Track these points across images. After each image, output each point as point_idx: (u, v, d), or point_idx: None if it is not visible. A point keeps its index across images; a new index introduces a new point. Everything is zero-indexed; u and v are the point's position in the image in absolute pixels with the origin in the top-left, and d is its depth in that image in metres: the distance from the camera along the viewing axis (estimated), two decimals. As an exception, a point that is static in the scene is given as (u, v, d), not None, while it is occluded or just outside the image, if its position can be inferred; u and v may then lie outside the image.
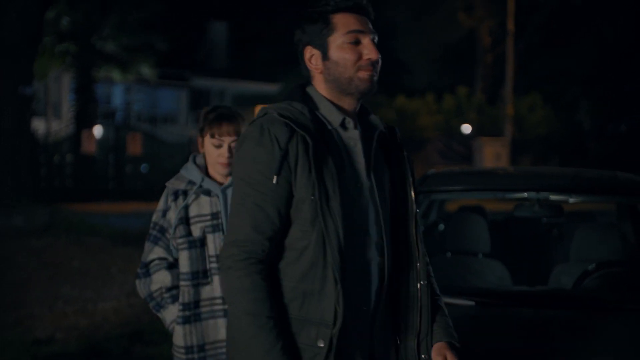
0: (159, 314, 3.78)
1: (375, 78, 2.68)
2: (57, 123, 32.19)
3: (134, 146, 26.71)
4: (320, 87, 2.72)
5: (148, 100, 38.84)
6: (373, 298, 2.66)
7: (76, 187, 25.11)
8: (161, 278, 3.73)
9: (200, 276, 3.66)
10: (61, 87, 33.84)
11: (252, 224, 2.55)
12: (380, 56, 2.69)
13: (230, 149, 3.67)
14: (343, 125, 2.68)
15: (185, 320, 3.66)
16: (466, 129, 33.15)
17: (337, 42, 2.65)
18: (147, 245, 3.80)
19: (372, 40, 2.68)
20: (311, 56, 2.70)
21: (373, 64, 2.66)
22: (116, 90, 36.89)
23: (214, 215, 3.68)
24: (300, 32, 2.73)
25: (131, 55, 27.66)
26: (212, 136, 3.67)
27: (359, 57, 2.65)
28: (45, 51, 24.30)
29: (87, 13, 26.26)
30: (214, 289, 3.67)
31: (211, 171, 3.74)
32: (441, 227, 5.83)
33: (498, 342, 3.63)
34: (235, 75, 41.75)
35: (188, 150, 28.03)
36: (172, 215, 3.69)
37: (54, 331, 7.71)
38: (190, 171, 3.75)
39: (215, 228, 3.68)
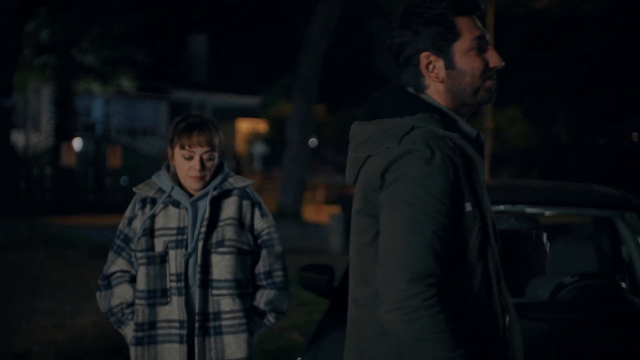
0: (120, 330, 3.53)
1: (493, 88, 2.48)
2: (36, 136, 32.05)
3: (114, 159, 26.66)
4: (439, 97, 2.43)
5: (128, 113, 38.72)
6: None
7: (56, 200, 25.03)
8: (122, 292, 3.49)
9: (157, 295, 3.42)
10: (41, 100, 33.69)
11: (433, 255, 2.21)
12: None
13: (202, 161, 3.45)
14: (478, 139, 2.42)
15: (138, 342, 3.43)
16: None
17: (463, 49, 2.40)
18: (111, 255, 3.54)
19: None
20: (429, 63, 2.40)
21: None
22: (96, 102, 36.76)
23: (180, 230, 3.45)
24: (412, 35, 2.41)
25: (111, 68, 27.64)
26: (182, 147, 3.45)
27: (486, 65, 2.43)
28: (24, 64, 24.26)
29: (67, 26, 26.25)
30: (172, 310, 3.42)
31: (183, 183, 3.52)
32: None
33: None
34: (215, 88, 41.69)
35: (167, 163, 28.01)
36: (138, 225, 3.47)
37: (32, 345, 7.67)
38: (161, 178, 3.54)
39: (179, 244, 3.43)
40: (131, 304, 3.48)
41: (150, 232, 3.46)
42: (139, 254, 3.43)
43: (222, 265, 3.44)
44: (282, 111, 27.78)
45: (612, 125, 42.01)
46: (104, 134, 35.70)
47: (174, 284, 3.41)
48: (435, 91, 2.42)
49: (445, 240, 2.23)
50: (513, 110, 34.23)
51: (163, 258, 3.43)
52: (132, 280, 3.49)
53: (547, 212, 5.12)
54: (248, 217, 3.55)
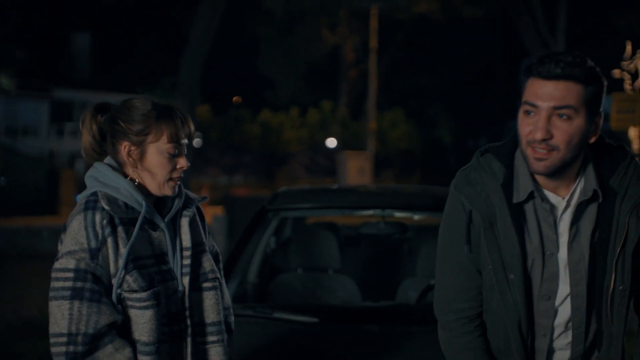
0: None
1: (536, 158, 2.37)
2: None
3: (-9, 159, 25.87)
4: None
5: (7, 112, 37.65)
6: None
7: None
8: (123, 354, 2.54)
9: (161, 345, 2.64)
10: None
11: (457, 285, 2.56)
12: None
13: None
14: (532, 196, 2.44)
15: None
16: (331, 142, 33.53)
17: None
18: (80, 305, 2.50)
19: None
20: None
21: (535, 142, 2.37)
22: (-27, 101, 35.64)
23: (159, 259, 2.65)
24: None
25: (-11, 66, 26.84)
26: (171, 140, 2.63)
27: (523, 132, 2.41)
28: None
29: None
30: None
31: (157, 190, 2.67)
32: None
33: (337, 359, 3.68)
34: (98, 87, 40.95)
35: (49, 164, 27.30)
36: (110, 255, 2.54)
37: None
38: (121, 189, 2.62)
39: (167, 276, 2.65)
40: None
41: (133, 265, 2.58)
42: (143, 294, 2.55)
43: (208, 305, 2.77)
44: (166, 112, 27.42)
45: (492, 127, 43.12)
46: (-19, 133, 34.63)
47: (165, 328, 2.64)
48: None
49: (470, 269, 2.55)
50: (396, 112, 34.72)
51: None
52: (118, 336, 2.57)
53: (416, 217, 5.24)
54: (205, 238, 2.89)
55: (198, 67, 19.96)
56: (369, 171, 30.84)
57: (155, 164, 2.63)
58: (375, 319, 4.18)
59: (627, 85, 29.89)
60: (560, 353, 2.55)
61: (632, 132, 30.26)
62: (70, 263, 2.51)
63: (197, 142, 32.46)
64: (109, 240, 2.53)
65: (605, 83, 2.39)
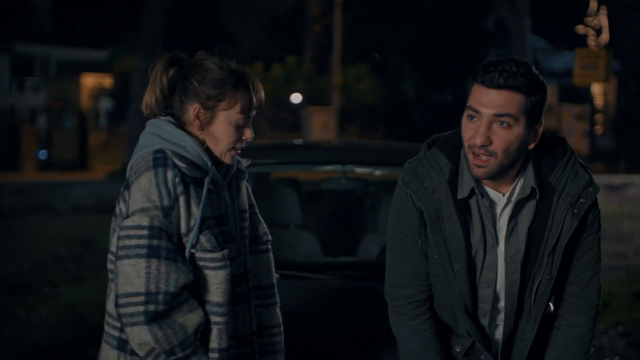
0: None
1: (475, 164, 2.52)
2: None
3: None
4: None
5: (-35, 67, 37.01)
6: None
7: None
8: (197, 314, 2.50)
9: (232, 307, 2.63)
10: None
11: (406, 271, 2.70)
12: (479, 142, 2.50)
13: None
14: (474, 192, 2.58)
15: None
16: (296, 98, 33.35)
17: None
18: (158, 263, 2.44)
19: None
20: None
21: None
22: None
23: (219, 220, 2.59)
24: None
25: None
26: (245, 110, 2.57)
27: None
28: None
29: None
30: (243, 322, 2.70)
31: (218, 157, 2.63)
32: None
33: (300, 314, 3.69)
34: (59, 41, 40.36)
35: (10, 119, 26.93)
36: (182, 214, 2.49)
37: None
38: (192, 151, 2.55)
39: (227, 237, 2.60)
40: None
41: (209, 225, 2.55)
42: (217, 254, 2.52)
43: (263, 267, 2.78)
44: (128, 66, 27.19)
45: (457, 82, 43.14)
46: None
47: (234, 289, 2.60)
48: None
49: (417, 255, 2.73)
50: (360, 66, 34.58)
51: None
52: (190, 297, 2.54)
53: (377, 172, 5.23)
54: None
55: (160, 20, 19.70)
56: (334, 126, 30.78)
57: (222, 131, 2.58)
58: (336, 274, 4.19)
59: (591, 41, 29.95)
60: (498, 328, 2.74)
61: (596, 88, 30.40)
62: (144, 220, 2.44)
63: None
64: (181, 199, 2.48)
65: (549, 92, 2.55)
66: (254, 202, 2.80)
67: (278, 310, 2.83)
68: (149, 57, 19.09)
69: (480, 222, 2.59)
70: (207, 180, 2.53)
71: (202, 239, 2.50)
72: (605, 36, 29.96)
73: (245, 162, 2.76)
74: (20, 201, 17.36)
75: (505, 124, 2.45)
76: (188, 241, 2.50)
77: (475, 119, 2.48)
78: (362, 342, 3.65)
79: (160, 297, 2.42)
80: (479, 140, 2.44)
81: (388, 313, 2.79)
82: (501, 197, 2.59)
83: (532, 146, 2.54)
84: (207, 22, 36.74)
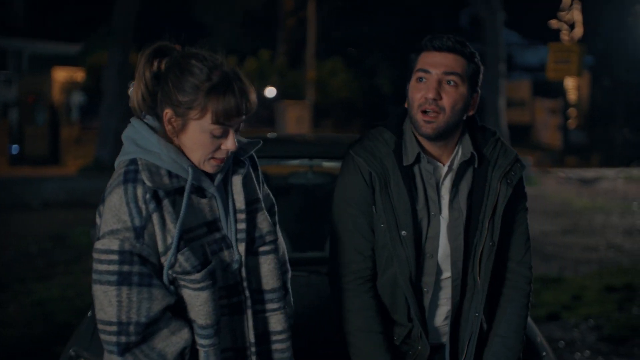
0: None
1: (425, 121, 2.74)
2: None
3: None
4: None
5: None
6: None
7: None
8: (181, 337, 2.35)
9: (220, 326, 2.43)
10: None
11: (353, 245, 2.82)
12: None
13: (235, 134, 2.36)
14: (419, 159, 2.77)
15: None
16: (270, 92, 33.28)
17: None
18: (130, 291, 2.28)
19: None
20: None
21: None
22: None
23: (211, 226, 2.39)
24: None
25: None
26: (217, 120, 2.30)
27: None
28: None
29: None
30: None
31: (193, 158, 2.38)
32: None
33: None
34: (33, 35, 40.02)
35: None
36: (157, 232, 2.29)
37: None
38: (167, 157, 2.34)
39: (222, 244, 2.41)
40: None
41: (185, 240, 2.33)
42: (197, 276, 2.32)
43: (267, 270, 2.52)
44: (101, 60, 26.98)
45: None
46: None
47: (224, 301, 2.43)
48: None
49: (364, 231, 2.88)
50: (335, 61, 34.55)
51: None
52: (173, 318, 2.37)
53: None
54: (259, 190, 2.57)
55: (131, 13, 19.53)
56: (308, 121, 30.76)
57: (195, 141, 2.33)
58: (303, 269, 4.16)
59: (565, 36, 30.07)
60: (441, 308, 2.85)
61: (569, 82, 30.54)
62: (114, 244, 2.26)
63: (133, 91, 31.97)
64: (155, 216, 2.28)
65: (482, 69, 2.81)
66: (260, 194, 2.54)
67: (283, 315, 2.55)
68: (120, 50, 18.94)
69: (423, 190, 2.77)
70: (186, 190, 2.31)
71: (181, 258, 2.30)
72: (578, 31, 30.12)
73: (254, 142, 2.51)
74: (-10, 197, 17.20)
75: (452, 83, 2.70)
76: (166, 260, 2.30)
77: (424, 80, 2.72)
78: (329, 337, 3.61)
79: (132, 328, 2.27)
80: (431, 94, 2.68)
81: (332, 293, 2.89)
82: (442, 167, 2.80)
83: (471, 112, 2.81)
84: (180, 15, 36.57)
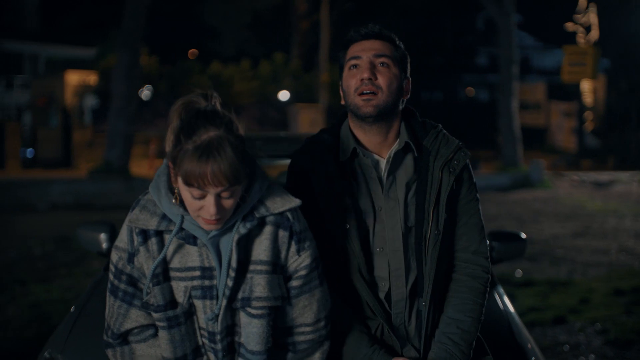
0: None
1: (364, 100, 2.82)
2: None
3: None
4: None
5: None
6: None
7: None
8: (150, 350, 2.54)
9: (189, 358, 2.53)
10: None
11: None
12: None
13: (218, 201, 2.35)
14: (355, 154, 2.85)
15: None
16: (284, 95, 33.22)
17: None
18: (114, 303, 2.53)
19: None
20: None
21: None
22: None
23: (205, 272, 2.47)
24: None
25: None
26: (188, 183, 2.32)
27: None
28: None
29: None
30: None
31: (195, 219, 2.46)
32: None
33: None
34: (47, 39, 40.17)
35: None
36: (143, 262, 2.47)
37: None
38: (163, 201, 2.45)
39: (207, 293, 2.48)
40: None
41: (164, 277, 2.47)
42: (156, 315, 2.48)
43: (250, 332, 2.52)
44: (113, 63, 26.99)
45: (447, 80, 43.08)
46: None
47: (206, 341, 2.54)
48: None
49: None
50: (348, 64, 34.44)
51: (189, 313, 2.50)
52: (156, 334, 2.56)
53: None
54: (283, 254, 2.55)
55: (140, 16, 19.44)
56: (321, 123, 30.66)
57: (183, 196, 2.38)
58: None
59: (581, 39, 29.84)
60: (399, 302, 2.83)
61: (585, 85, 30.29)
62: (114, 257, 2.52)
63: (146, 94, 32.01)
64: (142, 250, 2.46)
65: (408, 57, 2.92)
66: (270, 256, 2.51)
67: None
68: (129, 52, 18.87)
69: (365, 183, 2.82)
70: (172, 234, 2.43)
71: (154, 293, 2.47)
72: (594, 34, 29.86)
73: (282, 205, 2.50)
74: (-2, 199, 17.21)
75: (384, 65, 2.81)
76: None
77: (357, 66, 2.82)
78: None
79: (110, 332, 2.56)
80: (366, 74, 2.78)
81: None
82: (382, 160, 2.86)
83: (406, 97, 2.90)
84: (189, 17, 36.54)
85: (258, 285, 2.48)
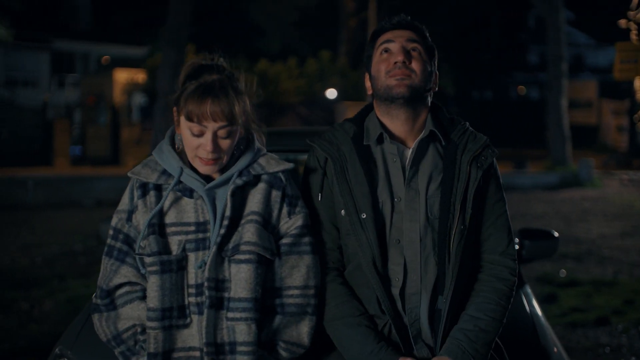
0: None
1: (398, 79, 2.80)
2: None
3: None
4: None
5: (6, 64, 37.39)
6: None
7: None
8: (135, 313, 2.61)
9: (175, 315, 2.55)
10: None
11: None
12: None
13: (215, 140, 2.55)
14: (381, 140, 2.80)
15: None
16: (331, 94, 33.10)
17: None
18: (108, 262, 2.64)
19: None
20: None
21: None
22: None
23: (200, 227, 2.58)
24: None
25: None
26: (190, 118, 2.54)
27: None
28: None
29: None
30: (191, 334, 2.58)
31: (191, 162, 2.64)
32: None
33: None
34: (99, 38, 40.63)
35: (42, 116, 27.05)
36: (140, 219, 2.61)
37: None
38: (164, 155, 2.65)
39: (200, 245, 2.57)
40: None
41: (159, 229, 2.58)
42: (149, 259, 2.54)
43: (237, 279, 2.56)
44: (160, 61, 27.15)
45: (498, 79, 42.70)
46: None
47: (192, 299, 2.56)
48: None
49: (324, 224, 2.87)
50: (396, 62, 34.25)
51: (180, 264, 2.56)
52: (143, 297, 2.62)
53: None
54: (274, 214, 2.67)
55: (185, 13, 19.46)
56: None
57: (183, 136, 2.60)
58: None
59: (634, 36, 29.32)
60: (413, 297, 2.72)
61: (638, 83, 29.75)
62: (114, 221, 2.65)
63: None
64: (140, 204, 2.61)
65: (437, 53, 2.92)
66: (262, 209, 2.63)
67: (247, 327, 2.55)
68: (174, 50, 18.90)
69: (386, 172, 2.76)
70: (169, 187, 2.58)
71: (145, 242, 2.57)
72: (648, 31, 29.32)
73: (276, 166, 2.70)
74: (45, 195, 17.37)
75: (416, 51, 2.81)
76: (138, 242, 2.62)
77: (388, 51, 2.82)
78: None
79: (98, 292, 2.65)
80: (400, 57, 2.77)
81: None
82: (408, 149, 2.80)
83: (435, 88, 2.88)
84: (234, 15, 36.60)
85: (247, 232, 2.58)
